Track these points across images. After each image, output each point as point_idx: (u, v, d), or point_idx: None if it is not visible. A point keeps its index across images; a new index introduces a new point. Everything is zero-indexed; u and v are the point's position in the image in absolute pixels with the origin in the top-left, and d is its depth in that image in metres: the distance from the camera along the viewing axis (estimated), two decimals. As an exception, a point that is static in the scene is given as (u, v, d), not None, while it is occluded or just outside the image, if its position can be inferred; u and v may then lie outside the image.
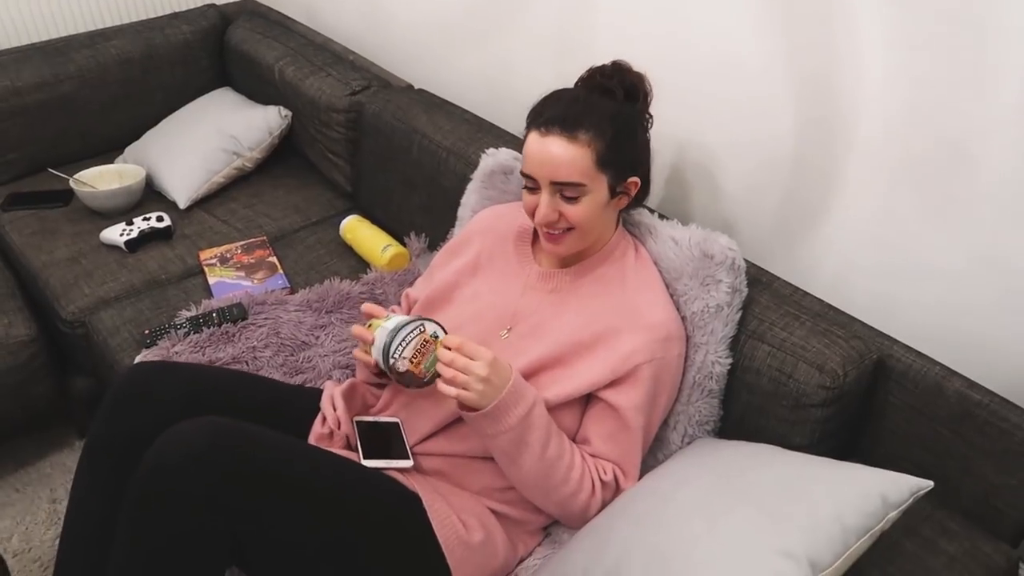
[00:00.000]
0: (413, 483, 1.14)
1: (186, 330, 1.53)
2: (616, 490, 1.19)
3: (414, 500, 1.12)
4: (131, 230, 1.82)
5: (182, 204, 1.95)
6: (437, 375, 1.10)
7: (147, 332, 1.54)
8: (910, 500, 0.99)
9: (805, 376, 1.15)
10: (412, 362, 1.10)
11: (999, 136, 1.06)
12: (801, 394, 1.15)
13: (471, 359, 1.07)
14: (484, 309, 1.27)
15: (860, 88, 1.18)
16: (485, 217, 1.41)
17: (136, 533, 0.96)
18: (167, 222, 1.85)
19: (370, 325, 1.17)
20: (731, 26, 1.30)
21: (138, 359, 1.49)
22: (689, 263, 1.22)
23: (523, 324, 1.24)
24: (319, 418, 1.23)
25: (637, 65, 1.23)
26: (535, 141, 1.13)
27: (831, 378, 1.13)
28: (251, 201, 2.00)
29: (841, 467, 1.04)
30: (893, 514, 0.98)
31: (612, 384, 1.16)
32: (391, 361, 1.09)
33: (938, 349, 1.22)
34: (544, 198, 1.14)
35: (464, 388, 1.06)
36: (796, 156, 1.30)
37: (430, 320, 1.13)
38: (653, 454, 1.27)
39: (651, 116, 1.24)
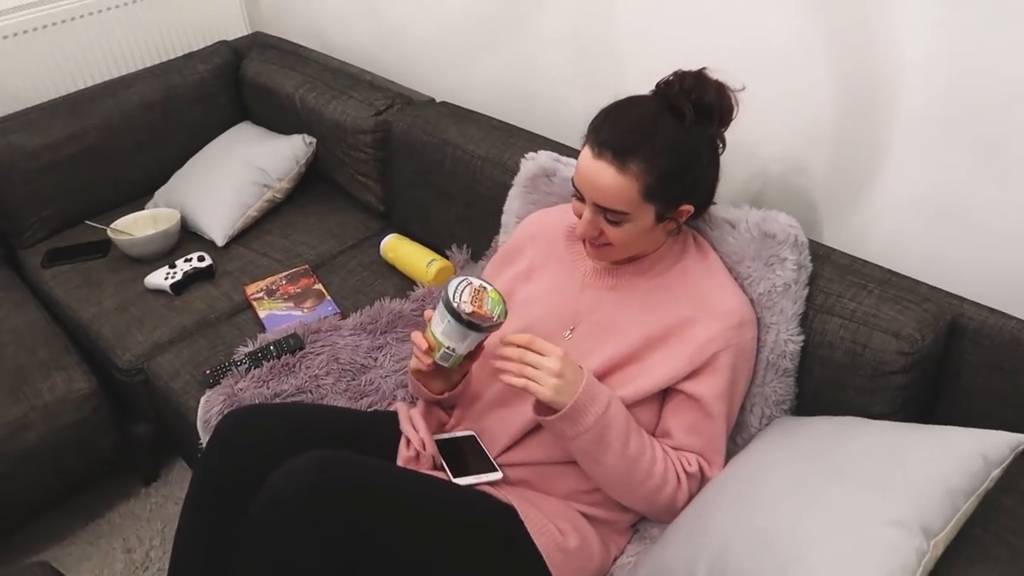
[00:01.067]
0: (505, 495, 1.15)
1: (247, 366, 1.54)
2: (702, 480, 1.19)
3: (510, 512, 1.12)
4: (175, 273, 1.83)
5: (220, 242, 1.96)
6: (503, 316, 1.12)
7: (208, 372, 1.55)
8: (1011, 456, 0.99)
9: (881, 344, 1.14)
10: (474, 304, 1.11)
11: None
12: (879, 363, 1.15)
13: (541, 355, 1.07)
14: (544, 312, 1.27)
15: (901, 41, 1.17)
16: (533, 222, 1.41)
17: (255, 565, 0.97)
18: (208, 261, 1.86)
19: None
20: (762, 10, 1.30)
21: (203, 399, 1.50)
22: (750, 245, 1.22)
23: (586, 323, 1.24)
24: (403, 441, 1.23)
25: (666, 58, 1.20)
26: (587, 159, 1.11)
27: (909, 343, 1.13)
28: (286, 231, 2.01)
29: (934, 431, 1.04)
30: (996, 472, 0.98)
31: (690, 375, 1.16)
32: (455, 304, 1.09)
33: (999, 303, 1.21)
34: (587, 215, 1.14)
35: (535, 381, 1.07)
36: (839, 124, 1.30)
37: (469, 277, 1.16)
38: (731, 438, 1.26)
39: (724, 142, 1.18)
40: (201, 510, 1.12)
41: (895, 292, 1.18)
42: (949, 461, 0.98)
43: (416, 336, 1.18)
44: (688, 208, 1.16)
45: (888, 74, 1.20)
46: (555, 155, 1.46)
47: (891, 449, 1.02)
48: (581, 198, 1.15)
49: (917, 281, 1.25)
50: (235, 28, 2.49)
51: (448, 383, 1.26)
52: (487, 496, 1.14)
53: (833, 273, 1.23)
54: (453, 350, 1.14)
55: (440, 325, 1.13)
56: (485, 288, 1.14)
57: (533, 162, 1.46)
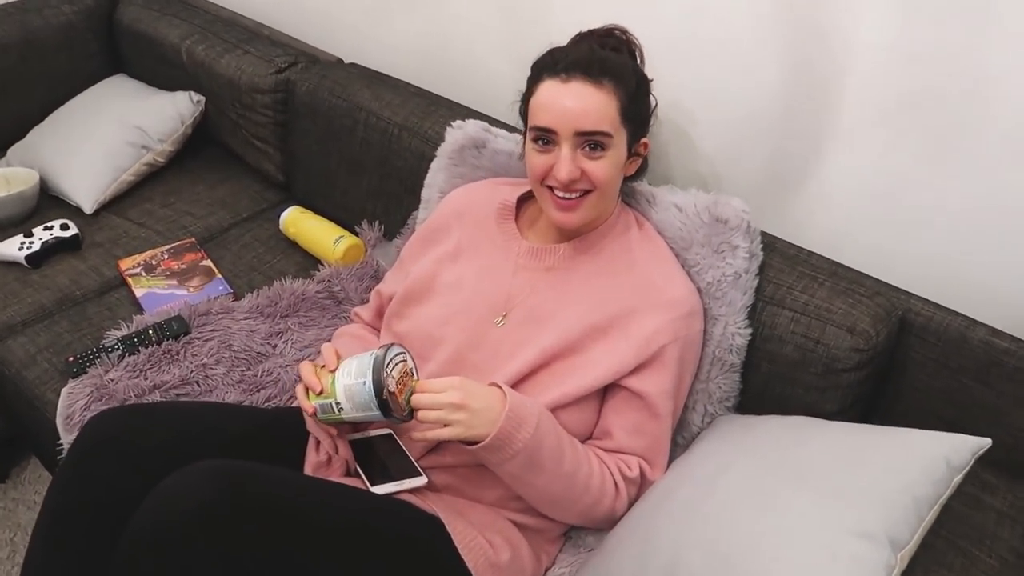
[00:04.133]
0: (430, 504, 1.01)
1: (119, 352, 1.32)
2: (642, 484, 1.09)
3: (435, 524, 0.98)
4: (31, 243, 1.56)
5: (88, 208, 1.70)
6: (409, 417, 0.98)
7: (71, 359, 1.32)
8: (972, 461, 0.94)
9: (835, 340, 1.08)
10: (397, 387, 0.96)
11: (998, 76, 1.01)
12: (832, 359, 1.08)
13: (435, 392, 0.95)
14: (472, 297, 1.14)
15: (853, 30, 1.11)
16: (458, 198, 1.27)
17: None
18: (73, 230, 1.61)
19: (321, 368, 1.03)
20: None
21: (65, 391, 1.27)
22: (699, 230, 1.13)
23: (520, 309, 1.12)
24: (311, 444, 1.07)
25: (597, 15, 1.17)
26: (553, 89, 1.01)
27: (864, 339, 1.07)
28: (168, 199, 1.77)
29: (894, 433, 0.98)
30: (958, 478, 0.93)
31: (635, 370, 1.06)
32: (384, 373, 0.94)
33: (944, 297, 1.18)
34: (565, 153, 1.01)
35: (444, 424, 0.94)
36: (784, 106, 1.22)
37: (408, 352, 1.00)
38: (672, 437, 1.17)
39: (651, 78, 1.14)
40: (59, 530, 0.91)
41: (845, 284, 1.13)
42: (914, 467, 0.92)
43: (306, 370, 1.01)
44: (647, 142, 1.11)
45: (839, 59, 1.14)
46: (485, 124, 1.33)
47: (853, 453, 0.96)
48: (549, 142, 1.03)
49: (863, 274, 1.20)
50: (109, -33, 2.19)
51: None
52: (409, 506, 1.00)
53: (782, 263, 1.16)
54: (341, 410, 0.98)
55: (350, 379, 0.97)
56: (413, 375, 0.99)
57: (461, 131, 1.32)
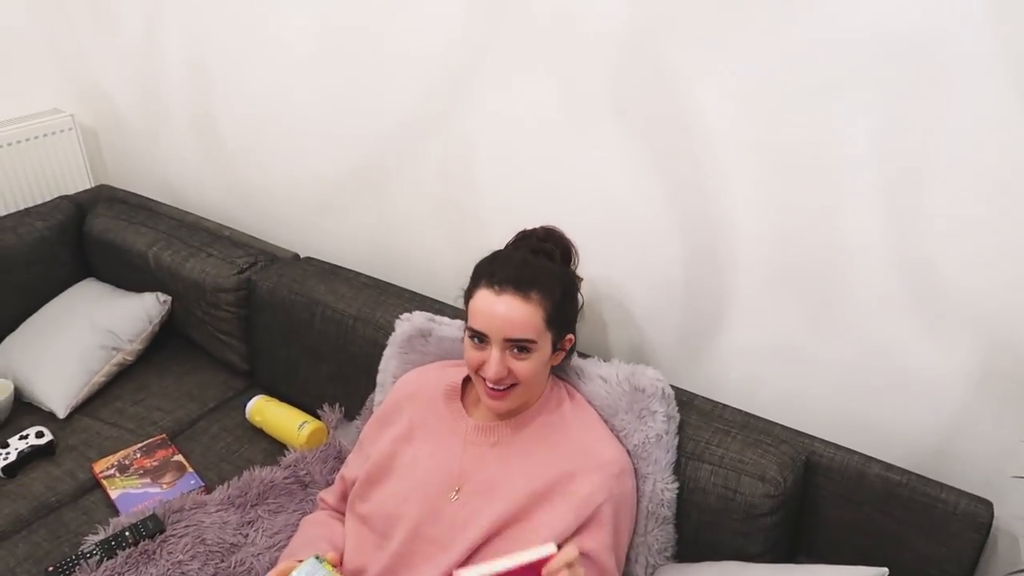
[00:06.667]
0: None
1: (98, 558, 1.39)
2: None
3: None
4: (7, 453, 1.64)
5: (61, 413, 1.80)
6: None
7: (51, 569, 1.38)
8: (873, 591, 1.07)
9: (750, 488, 1.22)
10: None
11: (860, 244, 1.23)
12: (750, 506, 1.22)
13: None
14: (428, 474, 1.27)
15: (734, 217, 1.33)
16: (409, 382, 1.42)
17: None
18: (48, 437, 1.70)
19: None
20: (607, 172, 1.43)
21: (45, 603, 1.33)
22: (622, 398, 1.29)
23: (472, 482, 1.24)
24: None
25: (527, 220, 1.38)
26: (488, 298, 1.19)
27: (774, 486, 1.21)
28: (138, 396, 1.88)
29: (804, 571, 1.11)
30: (864, 608, 1.06)
31: (577, 531, 1.18)
32: None
33: (843, 435, 1.35)
34: (495, 354, 1.18)
35: None
36: (687, 281, 1.43)
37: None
38: (619, 590, 1.28)
39: (581, 278, 1.36)
40: None
41: (755, 436, 1.28)
42: (824, 602, 1.05)
43: None
44: (571, 337, 1.28)
45: (727, 243, 1.36)
46: (429, 315, 1.50)
47: (773, 594, 1.08)
48: (483, 341, 1.19)
49: (771, 422, 1.37)
50: (77, 181, 2.39)
51: None
52: None
53: (699, 420, 1.32)
54: None
55: None
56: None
57: (408, 323, 1.49)
